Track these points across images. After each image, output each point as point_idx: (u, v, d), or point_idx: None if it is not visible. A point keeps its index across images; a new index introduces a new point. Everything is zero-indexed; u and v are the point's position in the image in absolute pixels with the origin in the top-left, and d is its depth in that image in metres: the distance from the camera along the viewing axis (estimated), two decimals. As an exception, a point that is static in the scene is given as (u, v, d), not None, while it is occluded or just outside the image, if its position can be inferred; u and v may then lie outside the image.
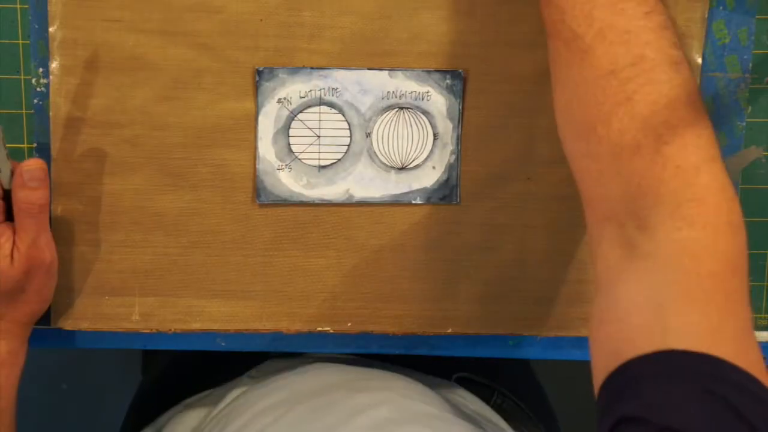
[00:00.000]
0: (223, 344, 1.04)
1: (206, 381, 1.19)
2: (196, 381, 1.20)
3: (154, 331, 1.03)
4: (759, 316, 1.04)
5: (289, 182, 1.00)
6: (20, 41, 0.98)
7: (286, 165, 0.99)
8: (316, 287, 1.03)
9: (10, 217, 0.96)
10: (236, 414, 1.03)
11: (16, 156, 0.99)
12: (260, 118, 0.99)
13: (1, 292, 0.95)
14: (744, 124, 1.01)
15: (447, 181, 1.01)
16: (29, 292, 0.96)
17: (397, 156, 1.00)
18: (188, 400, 1.17)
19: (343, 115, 0.99)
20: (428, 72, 0.99)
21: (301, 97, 0.99)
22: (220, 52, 0.98)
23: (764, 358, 1.05)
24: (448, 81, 0.99)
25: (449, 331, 1.04)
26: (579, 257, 1.02)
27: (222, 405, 1.08)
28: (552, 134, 1.00)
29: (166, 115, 0.98)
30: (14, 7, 0.98)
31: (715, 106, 1.00)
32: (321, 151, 1.00)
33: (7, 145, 0.97)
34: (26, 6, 0.97)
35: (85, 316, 1.02)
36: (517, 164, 1.01)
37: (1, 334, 0.97)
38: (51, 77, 0.97)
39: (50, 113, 0.98)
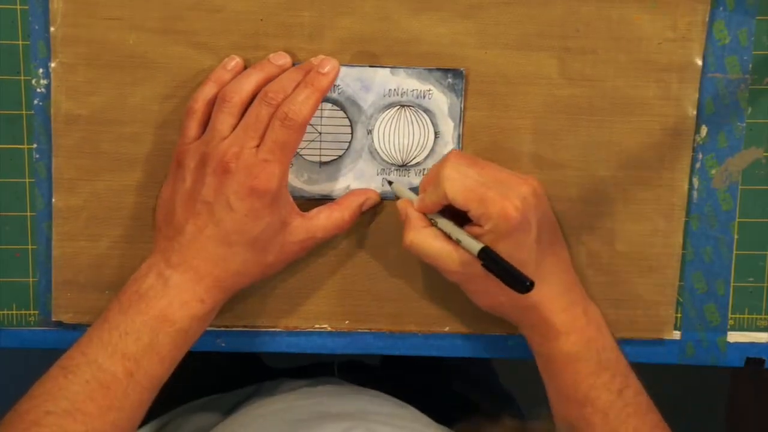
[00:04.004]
0: (223, 344, 1.04)
1: (209, 383, 1.19)
2: (198, 382, 1.19)
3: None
4: (759, 316, 1.05)
5: (290, 178, 0.99)
6: (20, 41, 0.98)
7: (287, 161, 1.00)
8: (315, 284, 1.03)
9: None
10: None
11: (15, 155, 0.99)
12: (261, 116, 0.99)
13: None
14: (744, 124, 1.01)
15: (447, 180, 1.01)
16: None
17: (398, 153, 1.00)
18: (195, 403, 1.16)
19: (345, 112, 0.99)
20: (430, 70, 0.99)
21: (302, 94, 0.99)
22: (219, 51, 0.98)
23: (764, 360, 1.05)
24: (449, 80, 0.99)
25: (447, 329, 1.04)
26: (576, 257, 1.02)
27: (226, 420, 1.08)
28: (551, 135, 1.00)
29: (166, 113, 0.99)
30: (14, 8, 0.98)
31: (715, 106, 1.01)
32: (322, 147, 0.99)
33: (7, 146, 0.98)
34: (26, 6, 0.98)
35: (85, 310, 1.01)
36: (516, 165, 1.01)
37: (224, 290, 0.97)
38: (52, 75, 0.98)
39: (51, 110, 0.98)
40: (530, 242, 0.94)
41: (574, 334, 0.96)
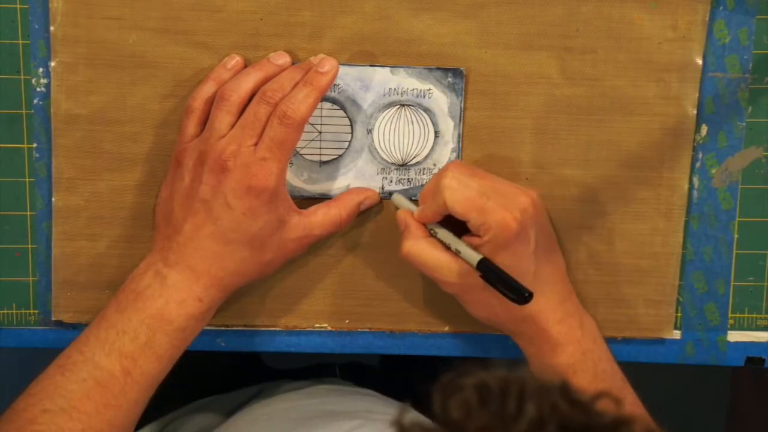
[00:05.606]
0: (223, 344, 1.04)
1: (210, 384, 1.19)
2: (199, 383, 1.19)
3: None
4: (759, 316, 1.04)
5: (290, 177, 0.99)
6: (20, 41, 0.98)
7: (287, 161, 0.99)
8: (315, 284, 1.03)
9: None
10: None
11: (15, 155, 0.99)
12: (261, 115, 0.99)
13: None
14: (744, 123, 1.01)
15: (447, 179, 1.01)
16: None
17: (398, 153, 1.00)
18: (198, 403, 1.16)
19: (345, 111, 0.99)
20: (430, 70, 0.99)
21: (302, 94, 0.99)
22: (219, 51, 0.98)
23: (764, 359, 1.05)
24: (449, 79, 0.99)
25: (446, 329, 1.04)
26: (576, 257, 1.02)
27: (231, 419, 1.08)
28: (551, 135, 1.00)
29: (166, 113, 0.99)
30: (14, 7, 0.98)
31: (715, 106, 1.00)
32: (322, 146, 1.00)
33: (7, 145, 0.98)
34: (26, 6, 0.97)
35: (85, 310, 1.01)
36: (516, 164, 1.01)
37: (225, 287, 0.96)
38: (52, 74, 0.98)
39: (51, 110, 0.98)
40: (529, 253, 0.94)
41: (571, 346, 0.96)
